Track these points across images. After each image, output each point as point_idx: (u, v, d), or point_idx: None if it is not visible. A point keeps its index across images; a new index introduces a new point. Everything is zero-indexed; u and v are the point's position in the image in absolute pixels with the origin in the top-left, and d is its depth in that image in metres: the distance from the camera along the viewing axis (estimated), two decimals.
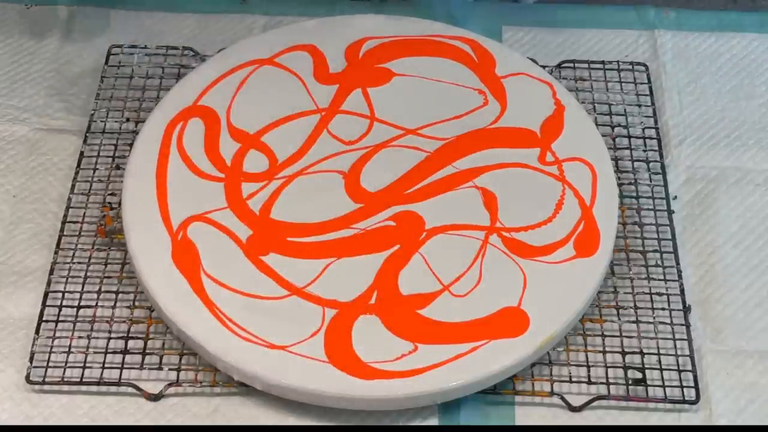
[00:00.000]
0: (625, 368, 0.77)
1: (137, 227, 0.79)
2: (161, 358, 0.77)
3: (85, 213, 0.83)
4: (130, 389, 0.75)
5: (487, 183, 0.83)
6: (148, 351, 0.77)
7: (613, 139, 0.89)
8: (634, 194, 0.85)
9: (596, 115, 0.90)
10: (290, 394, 0.74)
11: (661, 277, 0.81)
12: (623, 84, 0.93)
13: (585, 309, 0.78)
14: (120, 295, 0.79)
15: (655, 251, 0.82)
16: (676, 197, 0.86)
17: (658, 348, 0.78)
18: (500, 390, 0.76)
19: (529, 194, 0.83)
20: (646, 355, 0.77)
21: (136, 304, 0.79)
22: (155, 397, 0.75)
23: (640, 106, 0.91)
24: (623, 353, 0.77)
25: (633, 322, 0.79)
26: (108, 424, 0.74)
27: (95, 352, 0.77)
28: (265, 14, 0.98)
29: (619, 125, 0.90)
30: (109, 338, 0.77)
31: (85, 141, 0.88)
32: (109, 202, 0.84)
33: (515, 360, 0.74)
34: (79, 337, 0.77)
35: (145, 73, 0.92)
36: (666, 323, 0.79)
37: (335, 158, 0.84)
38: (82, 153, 0.87)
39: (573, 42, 0.97)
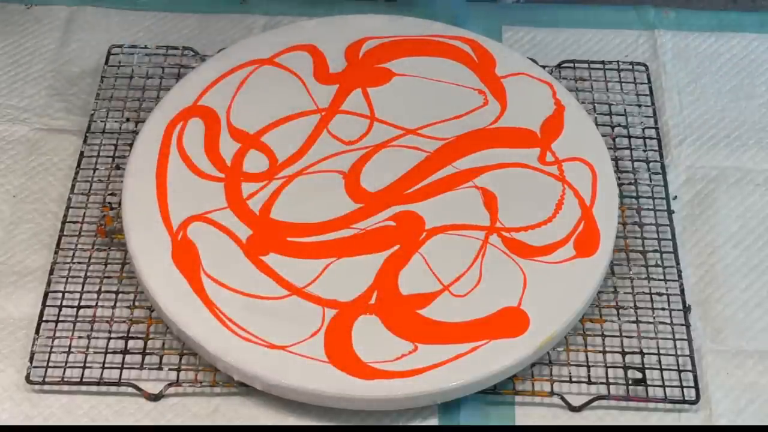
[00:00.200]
0: (625, 368, 0.77)
1: (137, 227, 0.79)
2: (161, 358, 0.77)
3: (85, 213, 0.83)
4: (130, 389, 0.75)
5: (487, 183, 0.83)
6: (148, 351, 0.77)
7: (613, 139, 0.89)
8: (634, 194, 0.85)
9: (596, 115, 0.90)
10: (290, 394, 0.74)
11: (661, 277, 0.81)
12: (623, 84, 0.92)
13: (585, 309, 0.77)
14: (120, 295, 0.79)
15: (655, 251, 0.82)
16: (676, 197, 0.86)
17: (658, 348, 0.78)
18: (500, 390, 0.76)
19: (529, 194, 0.83)
20: (646, 355, 0.77)
21: (136, 304, 0.79)
22: (155, 397, 0.75)
23: (640, 106, 0.91)
24: (623, 353, 0.77)
25: (633, 322, 0.79)
26: (108, 424, 0.74)
27: (95, 352, 0.77)
28: (265, 14, 0.98)
29: (619, 125, 0.90)
30: (109, 338, 0.77)
31: (85, 141, 0.88)
32: (109, 202, 0.84)
33: (515, 360, 0.74)
34: (79, 337, 0.77)
35: (145, 73, 0.92)
36: (666, 323, 0.79)
37: (335, 158, 0.84)
38: (82, 153, 0.87)
39: (573, 42, 0.97)
